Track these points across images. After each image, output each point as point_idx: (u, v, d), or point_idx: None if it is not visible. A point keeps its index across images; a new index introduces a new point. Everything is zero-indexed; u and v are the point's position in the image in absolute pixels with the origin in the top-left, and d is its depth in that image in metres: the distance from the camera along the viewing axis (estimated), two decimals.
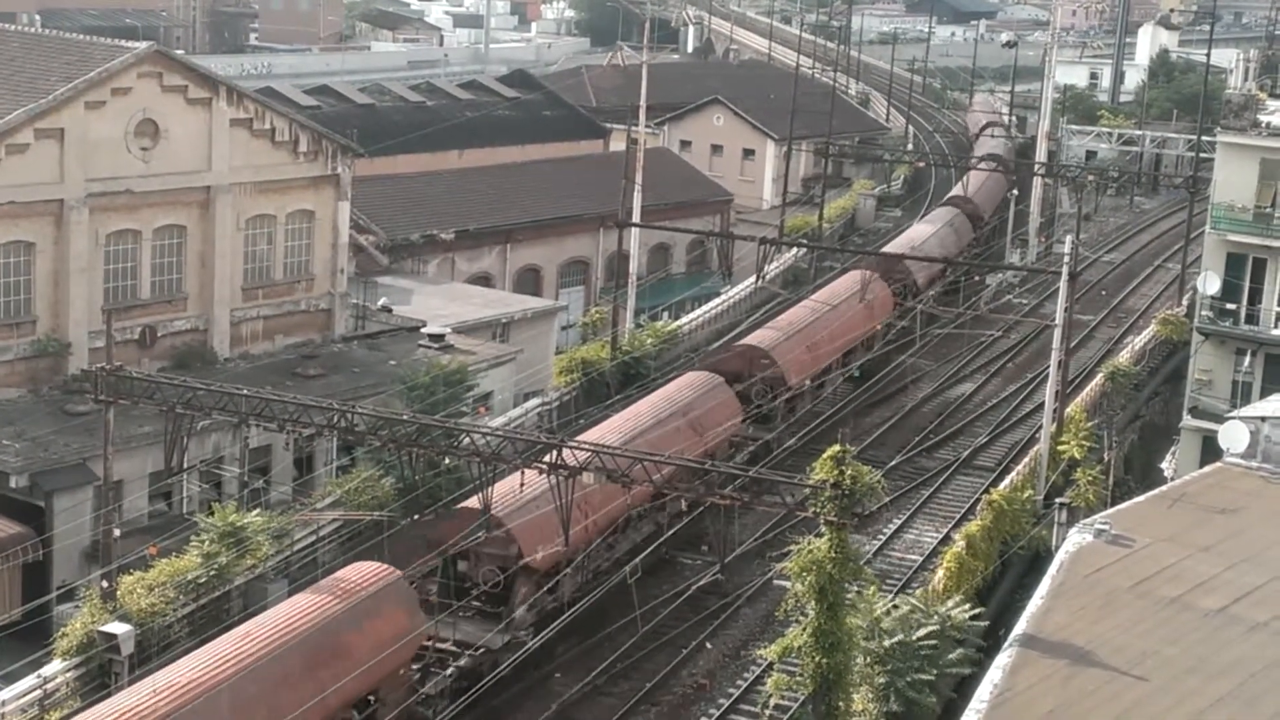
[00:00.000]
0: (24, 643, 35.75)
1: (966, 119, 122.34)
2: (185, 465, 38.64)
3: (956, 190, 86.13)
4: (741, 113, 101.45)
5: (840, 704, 31.39)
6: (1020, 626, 27.78)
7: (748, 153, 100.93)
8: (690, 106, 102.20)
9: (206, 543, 38.01)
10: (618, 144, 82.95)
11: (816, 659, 30.85)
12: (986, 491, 45.89)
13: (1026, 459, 48.64)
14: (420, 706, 33.41)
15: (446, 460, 39.11)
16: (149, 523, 43.01)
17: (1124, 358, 60.85)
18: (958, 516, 46.66)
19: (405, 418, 35.98)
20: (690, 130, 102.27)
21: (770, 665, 34.56)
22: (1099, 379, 57.99)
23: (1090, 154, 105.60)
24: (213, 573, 37.53)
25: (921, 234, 72.43)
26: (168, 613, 36.05)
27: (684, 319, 66.61)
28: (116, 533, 36.65)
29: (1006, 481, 46.59)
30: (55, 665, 34.07)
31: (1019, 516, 43.39)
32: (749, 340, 53.35)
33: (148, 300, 49.95)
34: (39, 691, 33.31)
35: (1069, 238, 50.64)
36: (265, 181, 52.47)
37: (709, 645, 38.96)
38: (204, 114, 50.51)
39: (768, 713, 33.87)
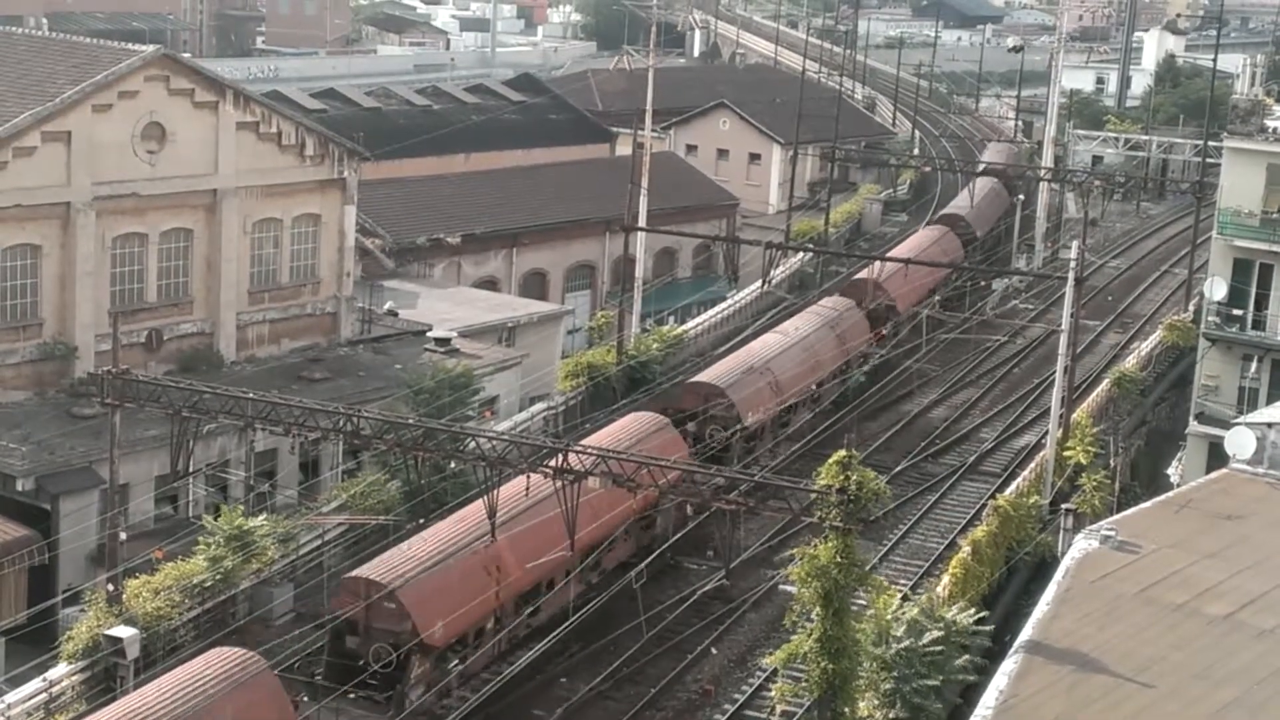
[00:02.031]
0: (30, 646, 35.82)
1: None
2: (191, 468, 38.71)
3: (950, 208, 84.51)
4: (747, 117, 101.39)
5: (846, 710, 31.36)
6: (1026, 633, 27.74)
7: (754, 157, 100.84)
8: (696, 111, 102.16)
9: (212, 546, 38.06)
10: (624, 148, 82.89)
11: (822, 664, 30.82)
12: (992, 497, 45.82)
13: (1032, 465, 48.58)
14: None
15: (452, 464, 39.14)
16: (155, 526, 43.08)
17: (1130, 363, 60.80)
18: (963, 522, 46.59)
19: (411, 422, 36.00)
20: (696, 134, 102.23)
21: (774, 673, 34.51)
22: (1105, 385, 57.93)
23: (1097, 159, 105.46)
24: (219, 576, 37.58)
25: (912, 247, 70.04)
26: (174, 616, 36.10)
27: (690, 323, 66.58)
28: (122, 536, 36.69)
29: (1012, 487, 46.53)
30: (61, 669, 34.09)
31: (1025, 522, 43.33)
32: (702, 376, 50.02)
33: (154, 303, 50.01)
34: (44, 695, 33.32)
35: (1075, 243, 50.60)
36: (271, 185, 52.52)
37: (714, 650, 38.92)
38: (210, 117, 50.58)
39: (774, 717, 33.80)
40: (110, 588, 35.65)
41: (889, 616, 33.30)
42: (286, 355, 53.16)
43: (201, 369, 49.23)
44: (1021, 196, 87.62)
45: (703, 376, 50.35)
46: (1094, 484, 45.73)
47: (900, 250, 70.92)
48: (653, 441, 42.25)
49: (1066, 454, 47.79)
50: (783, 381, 51.27)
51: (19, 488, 41.24)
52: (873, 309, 60.94)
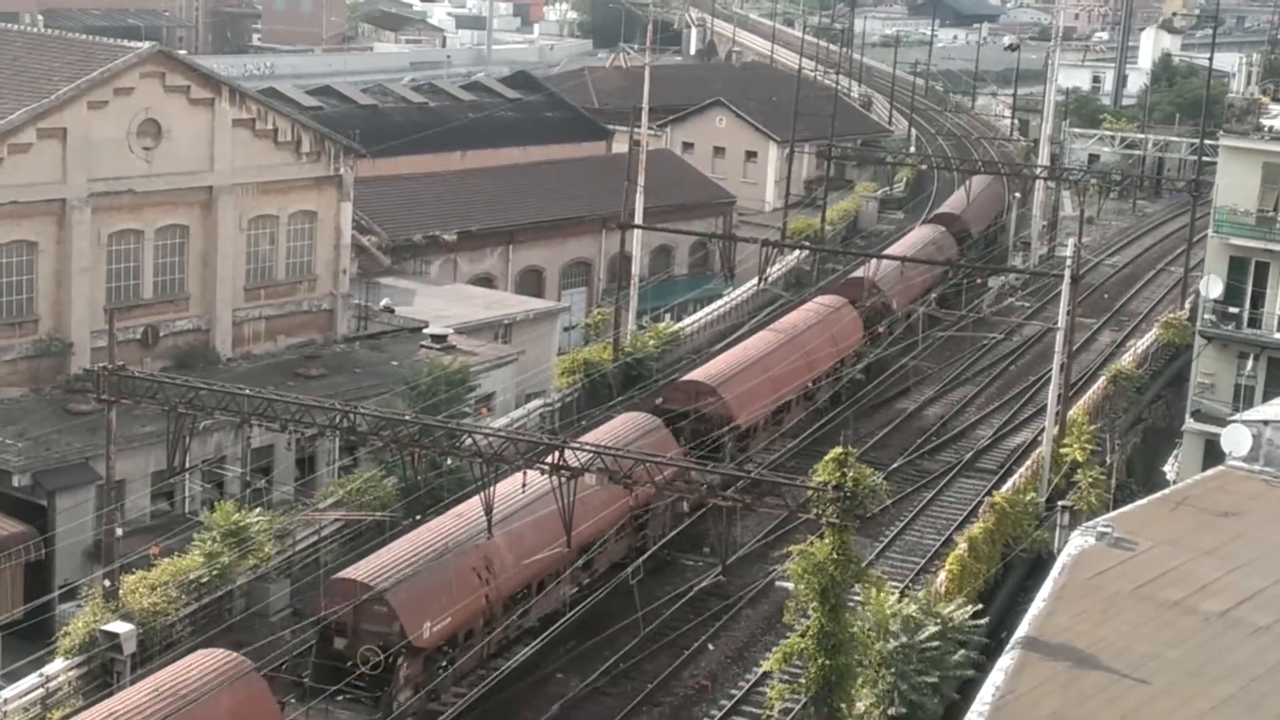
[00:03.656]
0: (26, 641, 35.81)
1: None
2: (187, 465, 38.67)
3: (946, 206, 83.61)
4: (744, 115, 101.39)
5: (843, 706, 31.37)
6: (1022, 629, 27.79)
7: (750, 155, 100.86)
8: (693, 108, 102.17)
9: (209, 542, 38.04)
10: (620, 146, 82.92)
11: (819, 661, 30.83)
12: (989, 494, 45.85)
13: (1029, 462, 48.63)
14: None
15: (448, 461, 39.13)
16: (151, 522, 43.06)
17: (1126, 361, 60.85)
18: (960, 519, 46.63)
19: (407, 418, 35.99)
20: (692, 132, 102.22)
21: (769, 674, 34.52)
22: (1101, 382, 57.98)
23: (1093, 157, 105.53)
24: (215, 572, 37.56)
25: (900, 254, 66.78)
26: (170, 612, 36.07)
27: (686, 321, 66.60)
28: (119, 532, 36.67)
29: (1009, 484, 46.57)
30: (57, 664, 34.10)
31: (1021, 519, 43.36)
32: (694, 375, 48.99)
33: (150, 300, 49.97)
34: (41, 690, 33.33)
35: (1071, 241, 50.64)
36: (267, 182, 52.49)
37: (711, 646, 38.94)
38: (206, 114, 50.54)
39: (773, 715, 33.82)
40: (107, 583, 35.63)
41: (886, 613, 33.31)
42: (283, 352, 53.13)
43: (198, 365, 49.22)
44: (1017, 195, 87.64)
45: (694, 375, 49.54)
46: (1090, 481, 45.77)
47: (895, 249, 70.17)
48: (645, 441, 41.25)
49: (1063, 451, 47.83)
50: (777, 379, 50.85)
51: (15, 484, 41.20)
52: (868, 307, 59.97)
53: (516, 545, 36.23)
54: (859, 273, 64.66)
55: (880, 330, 59.70)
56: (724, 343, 60.79)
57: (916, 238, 74.10)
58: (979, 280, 72.40)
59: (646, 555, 40.26)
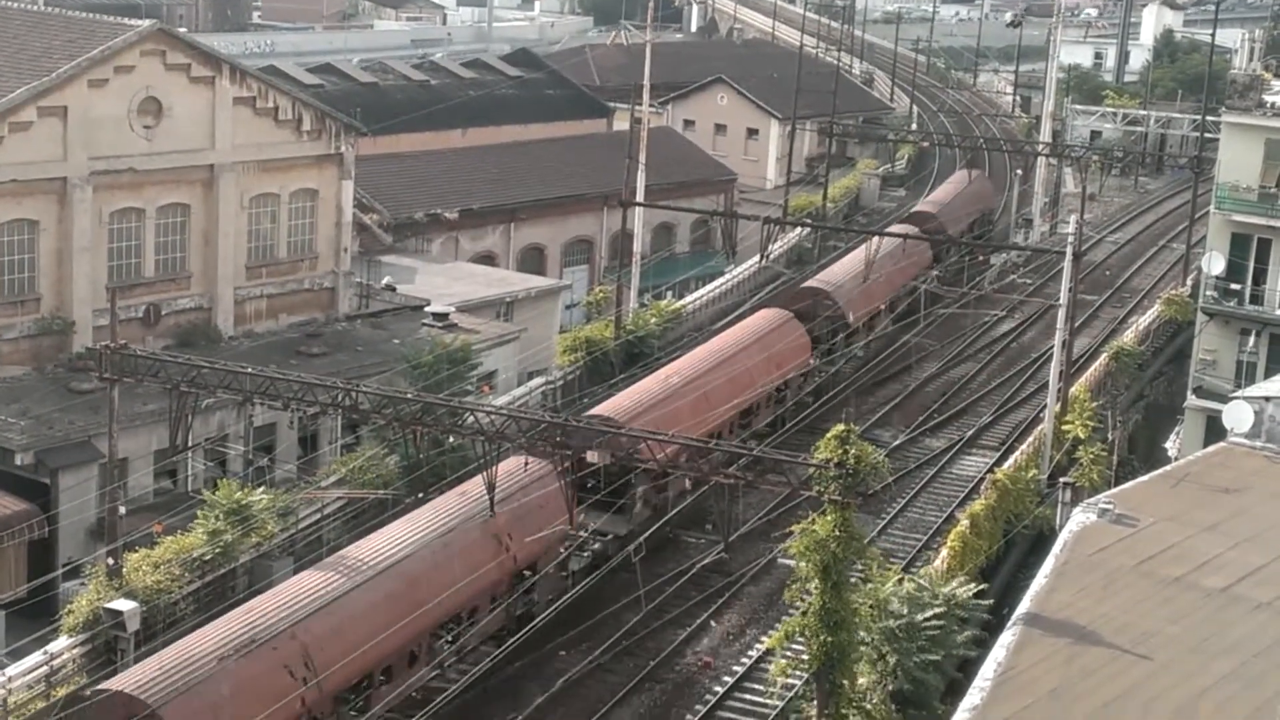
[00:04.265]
0: (30, 619, 35.90)
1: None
2: (190, 443, 38.69)
3: (923, 203, 78.09)
4: (745, 92, 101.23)
5: (844, 682, 31.46)
6: (1024, 606, 27.81)
7: (751, 132, 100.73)
8: (694, 86, 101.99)
9: (212, 520, 38.11)
10: (621, 123, 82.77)
11: (821, 637, 30.90)
12: (990, 471, 45.90)
13: (1030, 438, 48.66)
14: None
15: (450, 439, 39.16)
16: (154, 500, 43.13)
17: (1128, 338, 60.86)
18: (962, 496, 46.69)
19: (409, 396, 36.01)
20: (694, 110, 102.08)
21: (770, 652, 34.61)
22: (1103, 359, 58.00)
23: (1095, 134, 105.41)
24: (218, 550, 37.63)
25: (860, 260, 60.53)
26: (173, 590, 36.16)
27: (688, 298, 66.59)
28: (122, 510, 36.75)
29: (1010, 461, 46.62)
30: (61, 642, 34.19)
31: (1023, 496, 43.43)
32: (599, 409, 42.44)
33: (152, 278, 49.98)
34: (45, 668, 33.42)
35: (1073, 218, 50.60)
36: (268, 160, 52.43)
37: (713, 623, 39.04)
38: (207, 92, 50.46)
39: (775, 692, 33.94)
40: (110, 561, 35.71)
41: (888, 591, 33.37)
42: (284, 330, 53.15)
43: (199, 344, 49.24)
44: (1019, 172, 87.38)
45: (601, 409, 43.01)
46: (1092, 457, 45.84)
47: (853, 256, 63.00)
48: (533, 494, 37.56)
49: (1065, 428, 47.88)
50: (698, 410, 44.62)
51: (18, 462, 41.27)
52: (817, 324, 53.60)
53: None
54: (811, 282, 58.28)
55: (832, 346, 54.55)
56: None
57: (882, 242, 63.94)
58: (980, 259, 72.35)
59: (650, 532, 40.29)
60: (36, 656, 33.54)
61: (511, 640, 34.68)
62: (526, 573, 36.56)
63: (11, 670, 32.98)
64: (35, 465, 41.43)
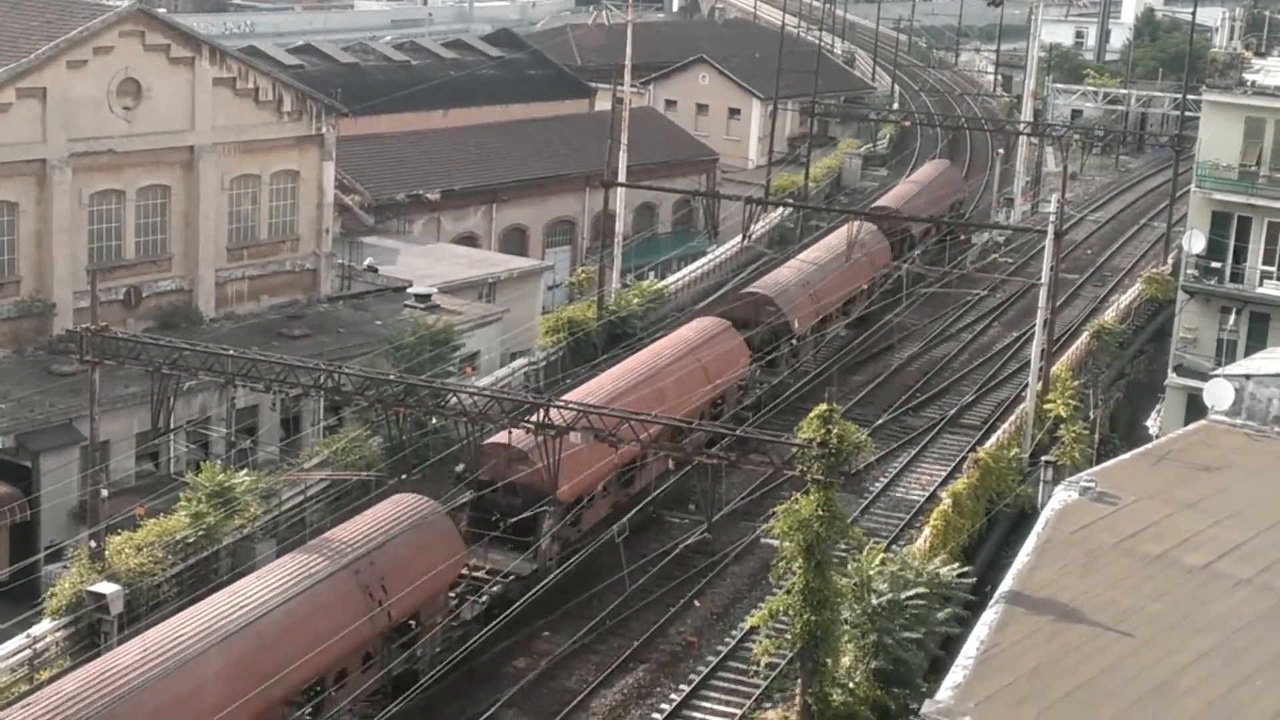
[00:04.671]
0: (12, 603, 35.82)
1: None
2: (172, 425, 38.66)
3: (885, 197, 73.68)
4: (727, 72, 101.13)
5: (828, 661, 31.58)
6: (1006, 584, 27.93)
7: (733, 112, 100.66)
8: (675, 66, 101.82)
9: (194, 503, 38.06)
10: (603, 103, 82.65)
11: (804, 616, 31.00)
12: (972, 450, 46.04)
13: (1012, 417, 48.81)
14: None
15: (433, 420, 39.15)
16: (136, 483, 43.05)
17: (1109, 316, 61.03)
18: (944, 475, 46.83)
19: (392, 378, 35.99)
20: (676, 90, 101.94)
21: (754, 630, 34.73)
22: (1084, 338, 58.16)
23: (1076, 113, 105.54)
24: (201, 533, 37.60)
25: (813, 259, 58.13)
26: (156, 573, 36.13)
27: (670, 278, 66.59)
28: (104, 493, 36.67)
29: (993, 440, 46.76)
30: (44, 625, 34.14)
31: (1005, 474, 43.57)
32: (497, 438, 38.16)
33: (132, 260, 49.82)
34: (29, 651, 33.38)
35: (1054, 197, 50.74)
36: (249, 141, 52.25)
37: (697, 603, 39.13)
38: (187, 73, 50.26)
39: (759, 670, 34.05)
40: (92, 544, 35.65)
41: (871, 570, 33.48)
42: (266, 312, 53.05)
43: (181, 326, 49.12)
44: (1000, 151, 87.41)
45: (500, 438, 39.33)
46: (1073, 436, 46.00)
47: (807, 254, 59.76)
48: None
49: (1046, 407, 48.02)
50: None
51: None
52: (757, 333, 50.56)
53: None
54: (752, 287, 54.91)
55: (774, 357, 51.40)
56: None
57: (835, 240, 61.02)
58: (962, 238, 72.44)
59: (633, 513, 40.35)
60: (19, 640, 33.49)
61: (403, 696, 31.44)
62: (412, 622, 33.24)
63: None
64: (16, 448, 41.33)
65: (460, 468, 38.12)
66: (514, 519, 36.49)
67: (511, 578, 36.18)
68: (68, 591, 34.60)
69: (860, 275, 59.59)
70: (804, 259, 58.60)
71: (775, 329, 51.86)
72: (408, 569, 32.50)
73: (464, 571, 35.84)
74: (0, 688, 32.21)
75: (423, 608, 33.34)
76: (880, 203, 72.17)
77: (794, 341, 53.03)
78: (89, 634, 34.36)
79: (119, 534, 36.83)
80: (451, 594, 35.06)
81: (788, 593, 31.59)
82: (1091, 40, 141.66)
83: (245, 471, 40.74)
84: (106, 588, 34.28)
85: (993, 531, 42.28)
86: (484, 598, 35.66)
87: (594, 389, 42.01)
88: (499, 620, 34.13)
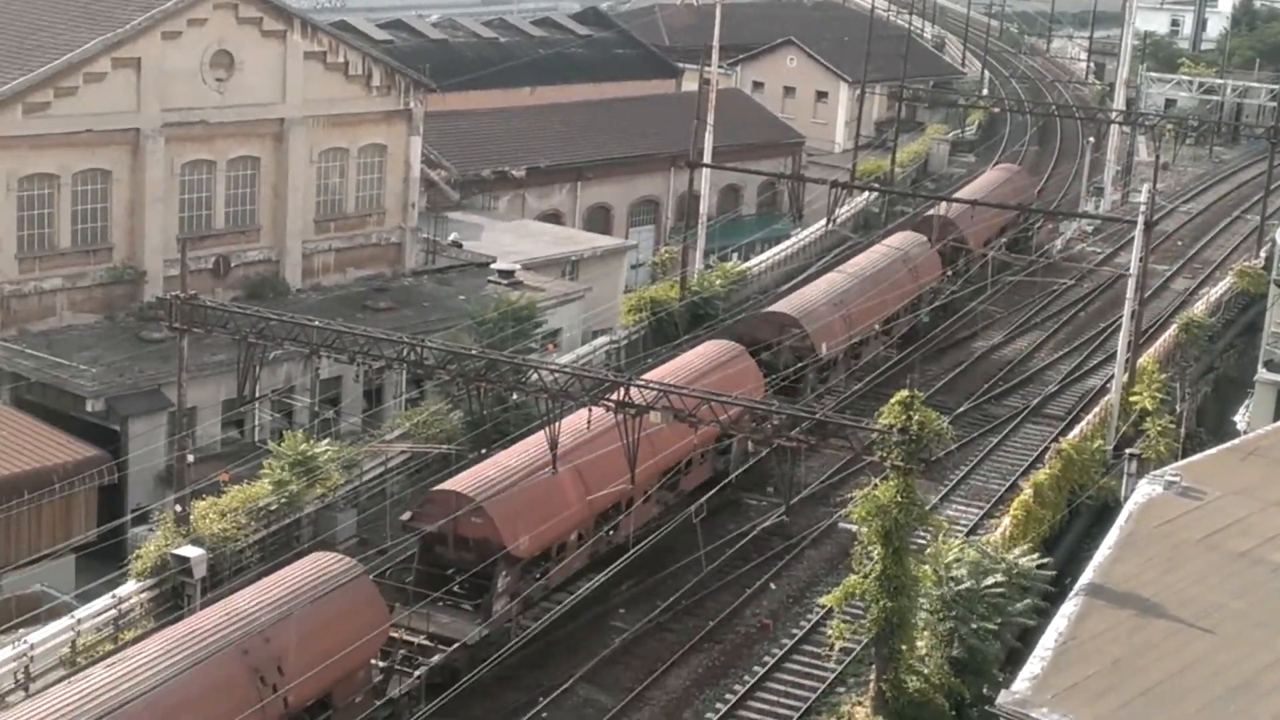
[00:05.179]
0: (100, 563, 36.48)
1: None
2: (257, 394, 39.05)
3: (943, 206, 65.73)
4: (815, 54, 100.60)
5: (903, 648, 31.44)
6: (1087, 576, 27.69)
7: (821, 95, 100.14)
8: (764, 47, 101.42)
9: (277, 471, 38.53)
10: (690, 84, 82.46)
11: (880, 603, 30.88)
12: (1055, 440, 45.57)
13: (1097, 409, 48.25)
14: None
15: (514, 396, 39.30)
16: (221, 450, 43.62)
17: (1199, 309, 60.13)
18: (1025, 465, 46.41)
19: (474, 353, 36.15)
20: (763, 71, 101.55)
21: (830, 612, 34.63)
22: (1173, 330, 57.34)
23: (1170, 102, 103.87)
24: (283, 500, 38.06)
25: (851, 273, 54.10)
26: (239, 538, 36.63)
27: (753, 260, 66.43)
28: (190, 458, 37.17)
29: (1076, 431, 46.25)
30: (130, 586, 34.72)
31: (1088, 466, 43.10)
32: (446, 485, 35.90)
33: (222, 230, 50.44)
34: (114, 611, 33.97)
35: (1146, 187, 49.96)
36: (338, 115, 52.70)
37: (773, 586, 39.08)
38: (278, 46, 50.73)
39: (833, 655, 33.97)
40: (178, 508, 36.20)
41: (949, 558, 33.26)
42: (351, 284, 53.52)
43: (268, 296, 49.68)
44: (1091, 140, 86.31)
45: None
46: (1159, 429, 45.40)
47: (845, 268, 54.93)
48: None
49: (1132, 399, 47.43)
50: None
51: (89, 409, 41.86)
52: (779, 357, 46.63)
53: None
54: (779, 305, 50.97)
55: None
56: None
57: (890, 248, 57.38)
58: (1050, 226, 71.62)
59: (711, 493, 40.33)
60: (105, 600, 34.11)
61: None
62: (324, 707, 29.27)
63: (81, 613, 33.55)
64: (106, 412, 42.00)
65: (406, 516, 34.82)
66: (464, 577, 33.22)
67: (457, 645, 32.10)
68: (153, 554, 35.16)
69: (903, 292, 54.95)
70: (842, 271, 54.35)
71: (798, 351, 47.30)
72: (315, 644, 27.97)
73: (407, 637, 32.03)
74: (86, 646, 32.84)
75: (335, 688, 28.86)
76: (935, 212, 65.13)
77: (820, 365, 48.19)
78: (173, 596, 34.90)
79: (204, 499, 37.38)
80: (380, 665, 30.90)
81: (864, 577, 31.48)
82: (1187, 29, 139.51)
83: (327, 441, 41.17)
84: (191, 551, 34.79)
85: (1074, 524, 41.85)
86: (419, 671, 30.99)
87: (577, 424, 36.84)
88: (439, 700, 29.45)
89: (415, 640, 32.27)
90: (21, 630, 32.79)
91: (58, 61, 45.51)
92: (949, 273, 59.06)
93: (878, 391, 48.36)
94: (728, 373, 41.98)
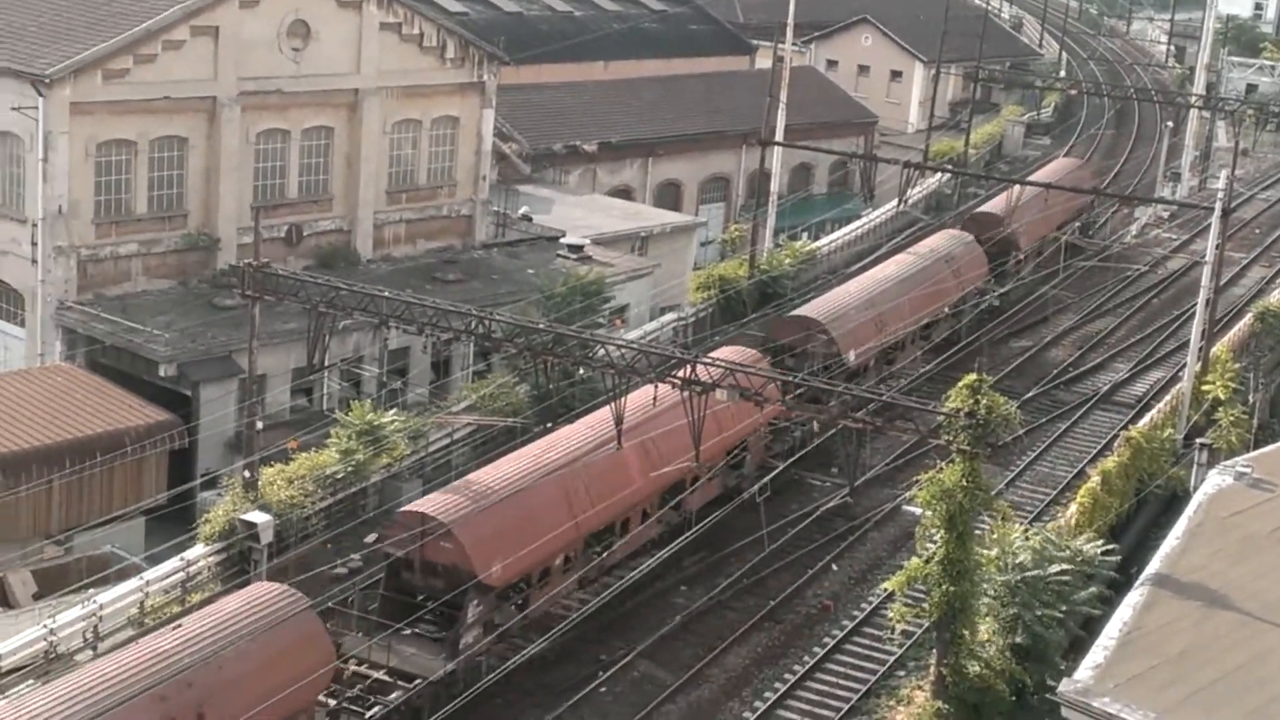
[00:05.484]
0: (169, 526, 36.99)
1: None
2: (326, 363, 39.38)
3: (991, 204, 63.30)
4: (890, 33, 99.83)
5: (965, 633, 31.29)
6: (1153, 566, 27.45)
7: (895, 74, 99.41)
8: (838, 26, 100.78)
9: (344, 439, 38.85)
10: (764, 61, 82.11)
11: (943, 587, 30.73)
12: (1125, 428, 45.12)
13: (1168, 397, 47.72)
14: None
15: (580, 370, 39.41)
16: (290, 417, 44.02)
17: (1276, 299, 59.25)
18: (1094, 452, 45.99)
19: (541, 326, 36.26)
20: (837, 50, 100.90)
21: (891, 595, 34.53)
22: (1248, 319, 56.56)
23: (1251, 87, 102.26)
24: (350, 469, 38.38)
25: (886, 276, 51.49)
26: (306, 505, 37.00)
27: (823, 240, 66.13)
28: (259, 425, 37.56)
29: (1146, 419, 45.77)
30: (198, 549, 35.22)
31: (1157, 455, 42.66)
32: (414, 505, 33.39)
33: (295, 199, 50.78)
34: (182, 574, 34.46)
35: (1224, 173, 49.26)
36: (412, 86, 52.86)
37: (835, 567, 39.02)
38: (354, 17, 50.90)
39: (894, 638, 33.89)
40: (246, 474, 36.61)
41: (1015, 544, 33.03)
42: (421, 256, 53.76)
43: (338, 265, 49.99)
44: (1169, 124, 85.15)
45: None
46: (1231, 419, 44.81)
47: (885, 270, 52.51)
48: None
49: (1204, 388, 46.86)
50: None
51: (162, 373, 42.36)
52: (804, 363, 43.92)
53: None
54: (804, 309, 48.18)
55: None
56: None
57: (919, 253, 54.56)
58: (1124, 211, 70.79)
59: (774, 474, 40.28)
60: (174, 562, 34.60)
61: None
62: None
63: (149, 575, 34.05)
64: (178, 377, 42.49)
65: (372, 538, 32.89)
66: (430, 608, 30.93)
67: (419, 683, 29.84)
68: (221, 518, 35.62)
69: (944, 295, 52.37)
70: (879, 272, 52.27)
71: (824, 359, 44.87)
72: (245, 687, 25.96)
73: (366, 670, 29.93)
74: (155, 607, 33.34)
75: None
76: (986, 208, 62.48)
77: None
78: (239, 560, 35.35)
79: (272, 465, 37.77)
80: (330, 703, 28.98)
81: (926, 561, 31.34)
82: (1271, 13, 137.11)
83: (394, 411, 41.46)
84: (258, 517, 35.20)
85: (1141, 512, 41.43)
86: (372, 711, 29.00)
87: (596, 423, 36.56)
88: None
89: (373, 676, 29.73)
90: (91, 590, 33.34)
91: (137, 29, 45.92)
92: (995, 274, 56.51)
93: (945, 374, 48.08)
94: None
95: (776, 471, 40.51)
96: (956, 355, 51.19)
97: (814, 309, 47.77)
